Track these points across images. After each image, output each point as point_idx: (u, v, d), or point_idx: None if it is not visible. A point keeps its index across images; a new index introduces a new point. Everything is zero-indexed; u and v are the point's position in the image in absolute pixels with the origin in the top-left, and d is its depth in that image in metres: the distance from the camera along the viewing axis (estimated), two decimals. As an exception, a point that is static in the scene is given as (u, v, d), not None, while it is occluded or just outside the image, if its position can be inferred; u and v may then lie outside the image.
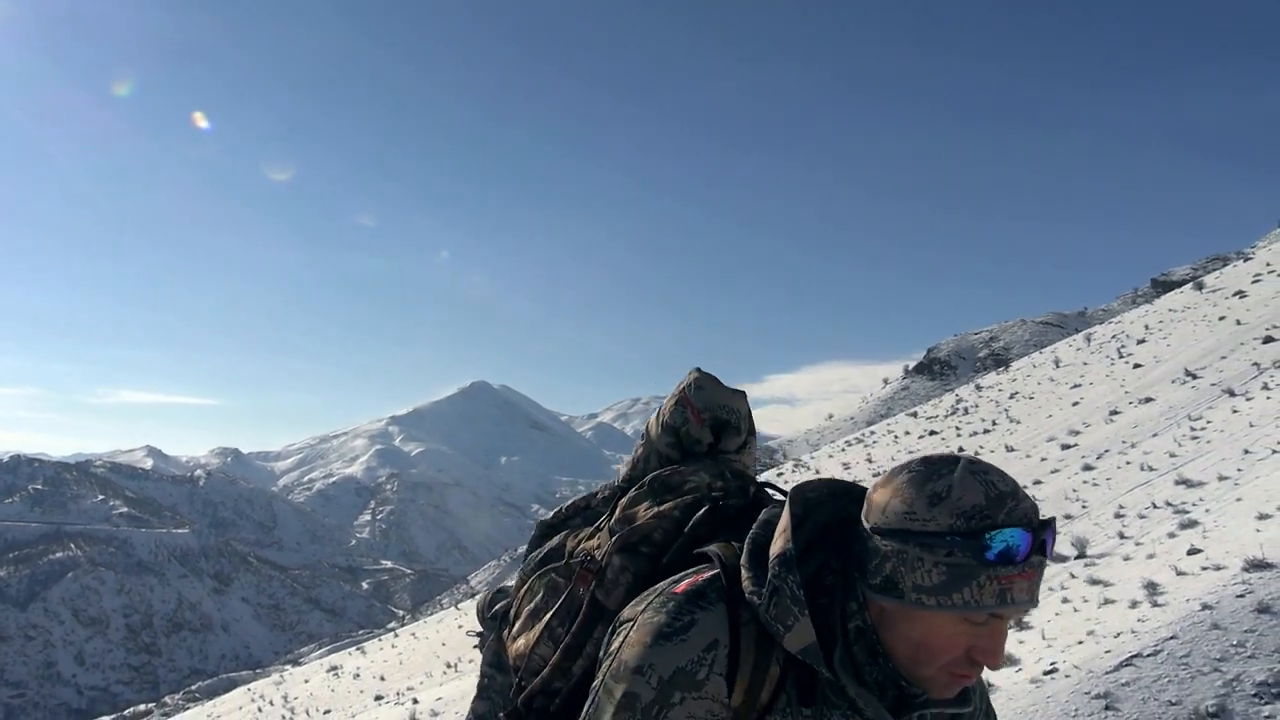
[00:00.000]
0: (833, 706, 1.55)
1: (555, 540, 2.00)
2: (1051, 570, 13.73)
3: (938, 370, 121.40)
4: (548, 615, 1.80)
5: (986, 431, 34.90)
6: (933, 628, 1.50)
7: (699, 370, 1.99)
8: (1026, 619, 11.51)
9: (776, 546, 1.57)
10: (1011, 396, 39.00)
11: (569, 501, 2.06)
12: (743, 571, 1.57)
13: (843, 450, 51.44)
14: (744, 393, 1.95)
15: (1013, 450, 27.79)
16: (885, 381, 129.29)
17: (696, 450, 1.97)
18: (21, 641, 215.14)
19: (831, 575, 1.58)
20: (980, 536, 1.43)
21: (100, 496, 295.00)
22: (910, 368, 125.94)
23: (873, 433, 53.02)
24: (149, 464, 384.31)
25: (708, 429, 1.93)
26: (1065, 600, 11.64)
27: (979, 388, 47.05)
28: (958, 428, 39.32)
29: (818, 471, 48.02)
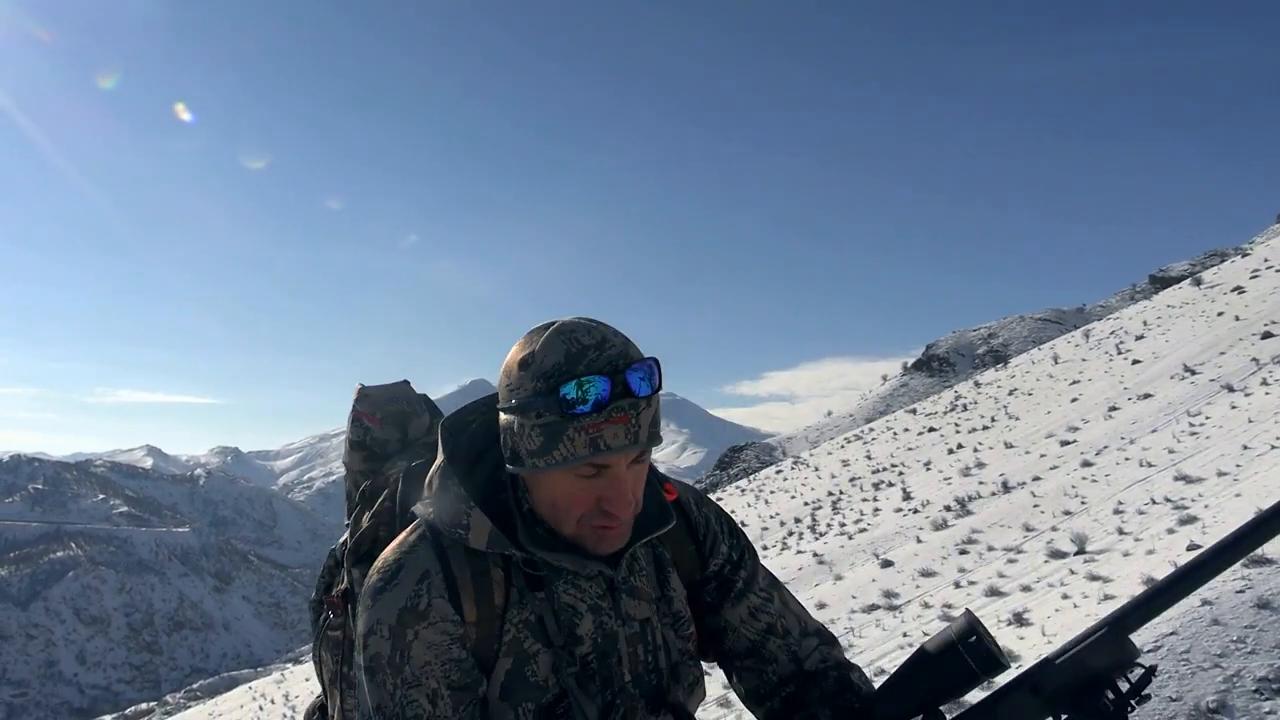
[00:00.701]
0: (555, 581, 1.60)
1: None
2: (1051, 566, 13.73)
3: (937, 367, 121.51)
4: (333, 667, 1.86)
5: (986, 428, 34.89)
6: (555, 487, 1.55)
7: (360, 385, 2.03)
8: (1026, 615, 11.50)
9: (435, 466, 1.67)
10: (1010, 393, 38.95)
11: (319, 575, 2.10)
12: (423, 506, 1.64)
13: (842, 447, 51.41)
14: (405, 381, 1.99)
15: (1012, 447, 27.76)
16: (884, 378, 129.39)
17: (391, 451, 2.01)
18: (23, 641, 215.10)
19: (501, 470, 1.65)
20: (557, 392, 1.48)
21: (100, 496, 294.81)
22: (909, 365, 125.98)
23: (872, 429, 52.99)
24: (149, 463, 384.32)
25: (390, 425, 1.96)
26: (1065, 596, 11.65)
27: (978, 384, 47.02)
28: (957, 424, 39.32)
29: (816, 470, 48.05)
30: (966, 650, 1.48)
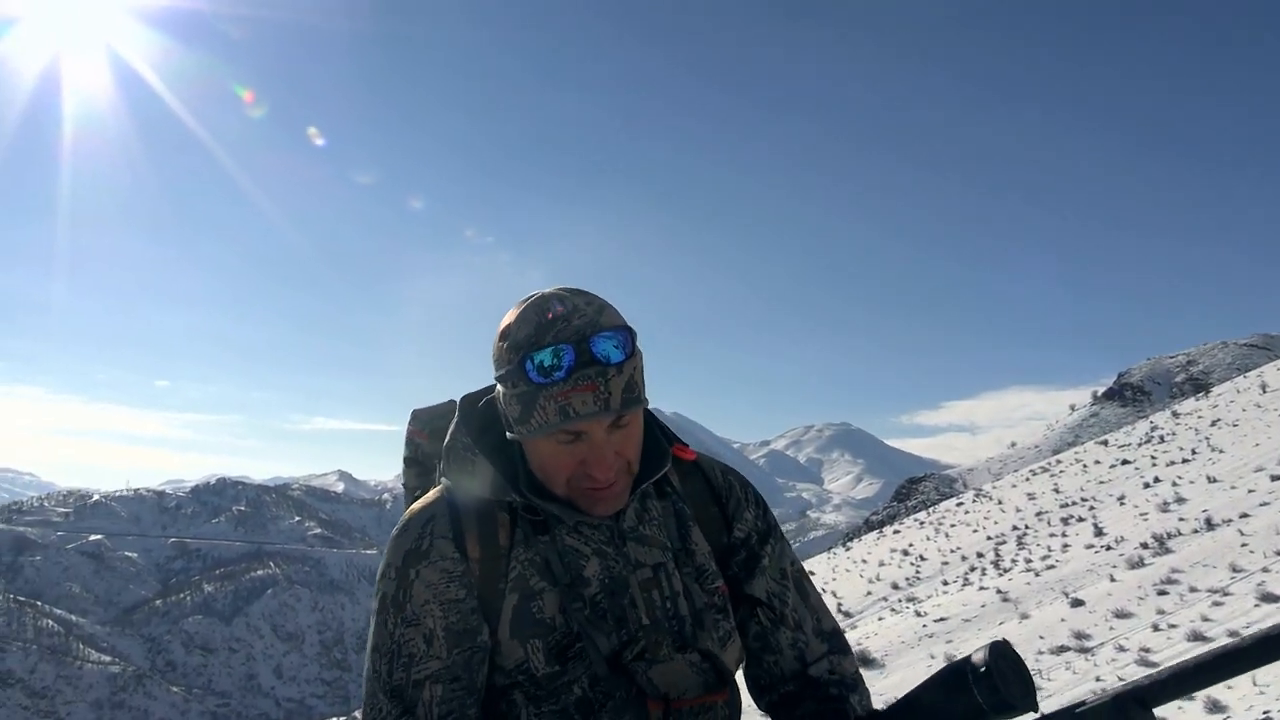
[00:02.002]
0: (558, 527, 1.67)
1: None
2: (1263, 611, 12.79)
3: (1130, 396, 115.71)
4: None
5: (1186, 461, 32.98)
6: (540, 452, 1.65)
7: (413, 410, 2.10)
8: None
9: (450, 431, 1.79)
10: (1213, 424, 36.74)
11: None
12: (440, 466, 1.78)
13: (1027, 480, 49.46)
14: (452, 400, 2.02)
15: (1215, 481, 26.16)
16: (1072, 408, 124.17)
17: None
18: (226, 654, 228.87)
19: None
20: (527, 362, 1.58)
21: (296, 518, 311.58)
22: (1100, 393, 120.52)
23: (1059, 461, 50.82)
24: (340, 487, 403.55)
25: (438, 440, 2.01)
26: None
27: (1176, 414, 44.53)
28: (1153, 457, 37.29)
29: (1000, 503, 46.33)
30: (977, 684, 1.39)
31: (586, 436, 1.61)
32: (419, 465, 2.00)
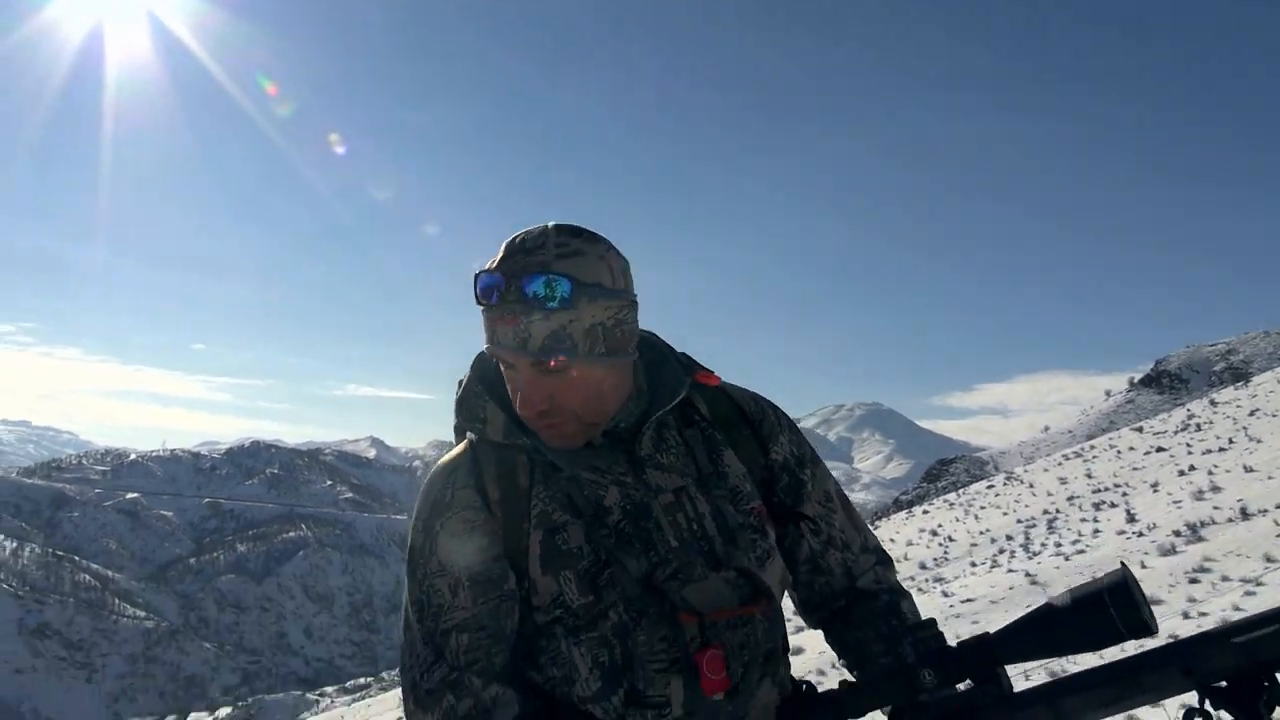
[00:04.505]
0: (574, 462, 1.69)
1: None
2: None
3: (1167, 383, 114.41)
4: None
5: (1222, 450, 32.60)
6: (504, 376, 1.71)
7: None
8: None
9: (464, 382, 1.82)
10: (1251, 413, 36.31)
11: None
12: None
13: (1059, 464, 49.07)
14: None
15: (1252, 471, 25.87)
16: (1108, 394, 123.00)
17: None
18: (258, 613, 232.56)
19: None
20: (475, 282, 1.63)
21: (328, 482, 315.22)
22: (1136, 380, 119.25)
23: (1093, 447, 50.37)
24: (372, 453, 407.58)
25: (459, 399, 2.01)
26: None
27: (1214, 403, 44.02)
28: (1189, 445, 36.86)
29: (1031, 486, 46.01)
30: (1115, 608, 1.37)
31: (515, 368, 1.64)
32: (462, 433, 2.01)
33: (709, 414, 1.82)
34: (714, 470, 1.75)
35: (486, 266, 1.63)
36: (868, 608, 1.78)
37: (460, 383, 1.84)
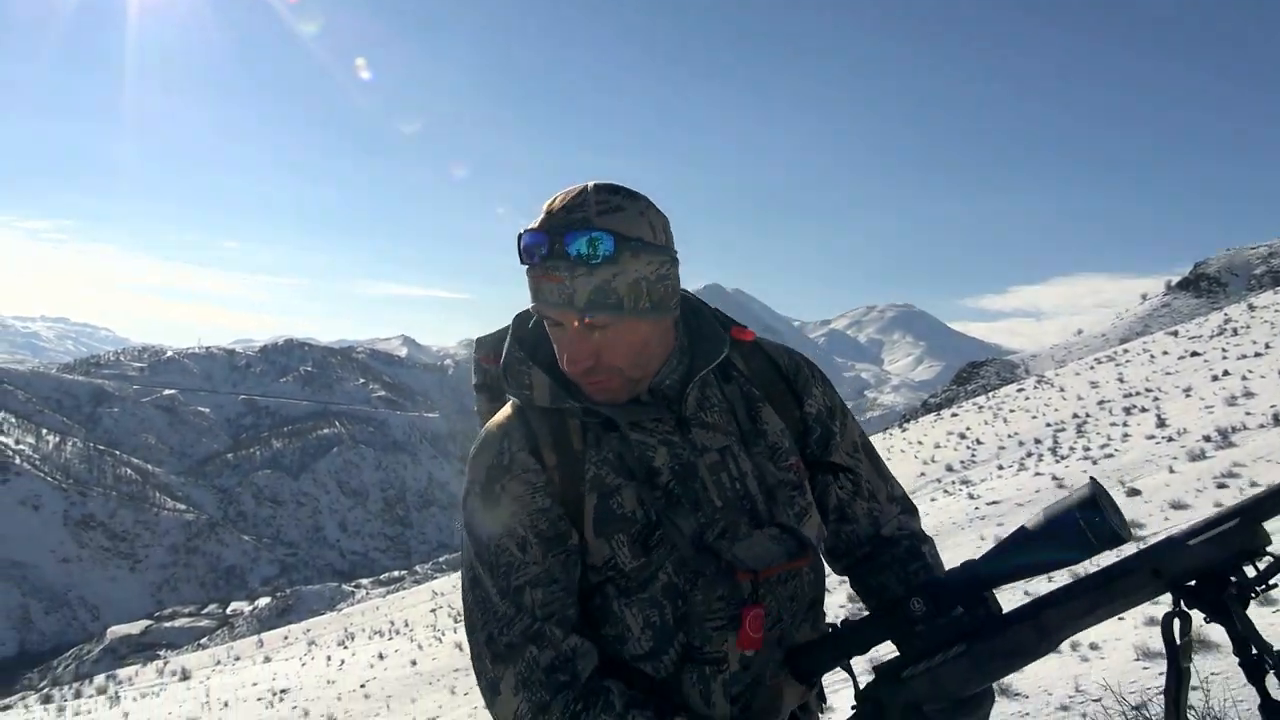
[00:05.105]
0: (623, 423, 1.70)
1: None
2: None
3: (1205, 287, 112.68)
4: None
5: (1258, 354, 32.24)
6: (549, 334, 1.71)
7: (475, 338, 2.10)
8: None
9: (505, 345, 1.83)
10: (1290, 318, 35.75)
11: None
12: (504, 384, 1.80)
13: (1092, 368, 48.78)
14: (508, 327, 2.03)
15: (1287, 376, 25.63)
16: (1144, 297, 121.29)
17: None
18: (294, 507, 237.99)
19: None
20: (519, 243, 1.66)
21: (361, 380, 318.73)
22: (1174, 283, 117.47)
23: (1127, 351, 50.00)
24: (404, 352, 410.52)
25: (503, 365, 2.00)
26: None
27: (1252, 307, 43.41)
28: (1224, 349, 36.45)
29: (1061, 390, 45.82)
30: (1086, 522, 1.42)
31: (562, 326, 1.65)
32: (488, 390, 2.00)
33: (745, 369, 1.85)
34: (754, 428, 1.78)
35: (529, 226, 1.64)
36: (891, 554, 1.83)
37: (474, 354, 1.88)
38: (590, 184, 1.68)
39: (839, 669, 1.71)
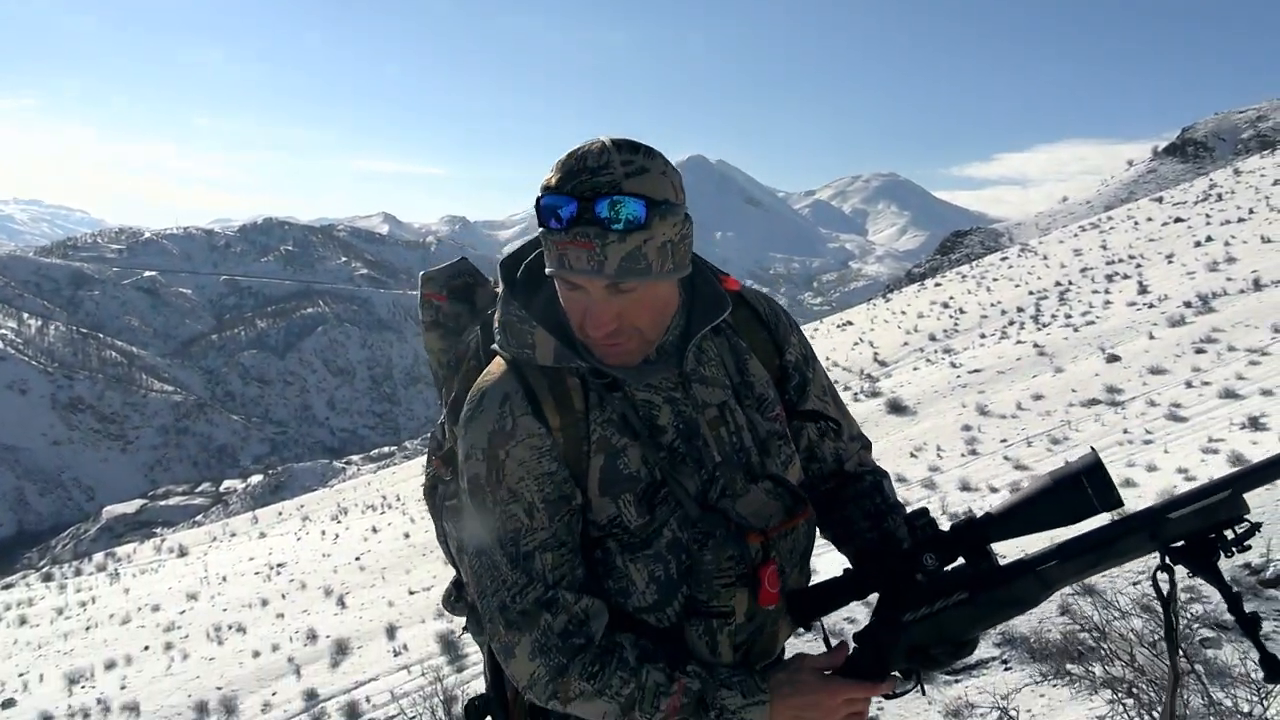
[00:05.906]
0: (627, 382, 1.69)
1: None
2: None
3: (1192, 152, 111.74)
4: (458, 538, 1.87)
5: (1242, 220, 32.26)
6: (561, 296, 1.67)
7: (422, 273, 2.06)
8: (1263, 420, 10.86)
9: (497, 299, 1.78)
10: (1276, 182, 35.70)
11: (426, 464, 2.12)
12: (495, 336, 1.74)
13: (1075, 236, 48.75)
14: (463, 257, 2.02)
15: (1270, 242, 25.74)
16: (1130, 163, 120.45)
17: (464, 324, 2.02)
18: (282, 386, 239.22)
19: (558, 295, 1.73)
20: (537, 204, 1.59)
21: (343, 259, 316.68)
22: (1160, 149, 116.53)
23: (1111, 218, 49.94)
24: (385, 229, 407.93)
25: (457, 300, 2.00)
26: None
27: (1237, 172, 43.23)
28: (1208, 215, 36.42)
29: (1045, 258, 45.84)
30: (1092, 487, 1.55)
31: (585, 291, 1.61)
32: (440, 328, 1.98)
33: (732, 320, 1.84)
34: (743, 380, 1.80)
35: (549, 185, 1.59)
36: (854, 489, 1.90)
37: (421, 291, 1.85)
38: (607, 140, 1.61)
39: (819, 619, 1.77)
